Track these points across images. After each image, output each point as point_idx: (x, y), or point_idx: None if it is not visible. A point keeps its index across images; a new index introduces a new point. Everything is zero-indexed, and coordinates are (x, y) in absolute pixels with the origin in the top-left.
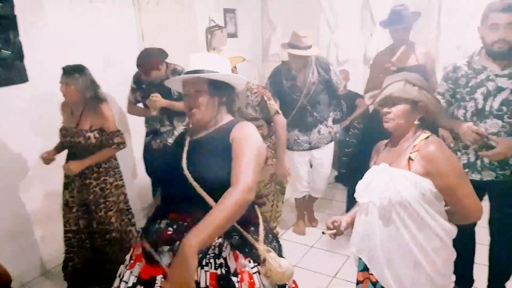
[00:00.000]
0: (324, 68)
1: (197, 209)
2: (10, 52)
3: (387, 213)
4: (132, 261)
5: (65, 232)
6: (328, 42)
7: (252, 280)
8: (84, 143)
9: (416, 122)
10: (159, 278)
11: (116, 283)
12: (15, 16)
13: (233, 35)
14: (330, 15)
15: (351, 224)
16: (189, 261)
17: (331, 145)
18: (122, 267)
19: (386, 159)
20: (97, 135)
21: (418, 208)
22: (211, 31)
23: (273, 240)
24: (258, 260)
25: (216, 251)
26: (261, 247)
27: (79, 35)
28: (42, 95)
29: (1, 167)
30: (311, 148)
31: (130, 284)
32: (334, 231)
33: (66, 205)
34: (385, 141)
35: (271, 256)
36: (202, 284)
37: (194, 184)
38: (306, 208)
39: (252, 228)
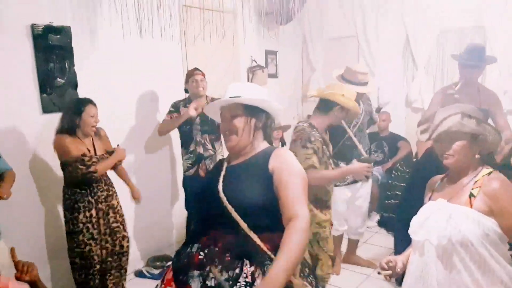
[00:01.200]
0: (365, 101)
1: (229, 233)
2: (64, 81)
3: (446, 253)
4: (163, 285)
5: (86, 270)
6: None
7: None
8: None
9: (477, 156)
10: None
11: None
12: (72, 47)
13: (273, 76)
14: (369, 58)
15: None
16: None
17: (369, 182)
18: None
19: (443, 194)
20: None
21: (481, 249)
22: (253, 70)
23: (309, 275)
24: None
25: (249, 279)
26: (296, 281)
27: (128, 68)
28: None
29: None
30: (351, 182)
31: None
32: (390, 272)
33: (88, 241)
34: (440, 176)
35: None
36: None
37: (229, 207)
38: (349, 253)
39: None
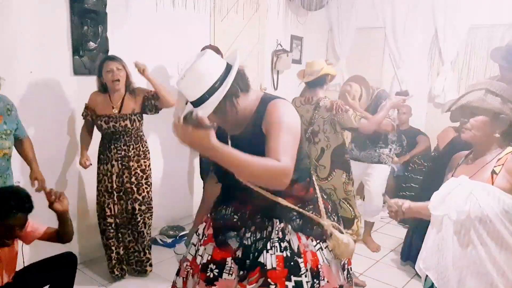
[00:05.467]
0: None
1: (254, 198)
2: (96, 45)
3: (464, 228)
4: (205, 238)
5: (102, 220)
6: (392, 76)
7: (315, 258)
8: (130, 127)
9: (496, 135)
10: (229, 260)
11: (192, 251)
12: (106, 13)
13: (297, 61)
14: (395, 50)
15: (414, 213)
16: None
17: (385, 168)
18: (195, 237)
19: (466, 171)
20: (140, 118)
21: (500, 225)
22: (278, 54)
23: (332, 213)
24: (320, 238)
25: (280, 235)
26: (325, 222)
27: (159, 37)
28: None
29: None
30: (361, 160)
31: (204, 261)
32: (396, 208)
33: (104, 193)
34: (465, 152)
35: (336, 230)
36: (269, 266)
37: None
38: (365, 233)
39: (311, 206)
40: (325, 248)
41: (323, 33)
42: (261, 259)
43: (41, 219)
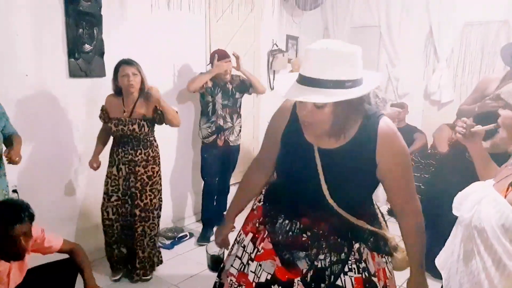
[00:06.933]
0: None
1: (332, 217)
2: (92, 47)
3: (466, 236)
4: (259, 253)
5: (106, 221)
6: (387, 74)
7: (385, 274)
8: (138, 131)
9: None
10: (296, 281)
11: (236, 265)
12: (101, 15)
13: None
14: (391, 49)
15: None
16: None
17: None
18: (238, 249)
19: (500, 175)
20: (149, 124)
21: (495, 241)
22: (273, 53)
23: (384, 221)
24: (389, 253)
25: (357, 256)
26: (390, 235)
27: (154, 38)
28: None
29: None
30: None
31: (263, 280)
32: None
33: (110, 194)
34: None
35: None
36: None
37: (339, 210)
38: None
39: (376, 221)
40: (389, 262)
41: (319, 32)
42: (339, 283)
43: (40, 220)
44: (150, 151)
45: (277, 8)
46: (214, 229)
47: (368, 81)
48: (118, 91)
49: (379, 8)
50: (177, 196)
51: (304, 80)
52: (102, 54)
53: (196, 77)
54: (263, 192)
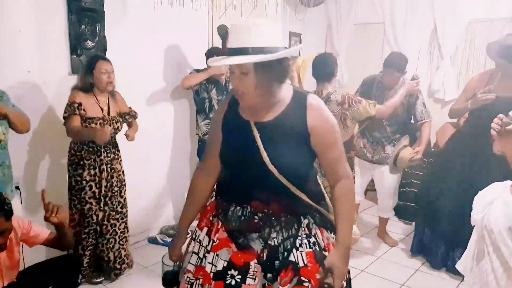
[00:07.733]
0: (413, 94)
1: (277, 194)
2: (94, 44)
3: (480, 234)
4: (215, 244)
5: (84, 228)
6: None
7: None
8: (120, 129)
9: None
10: (253, 263)
11: (193, 261)
12: (103, 11)
13: (296, 58)
14: (395, 46)
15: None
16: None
17: None
18: (194, 245)
19: None
20: (121, 120)
21: (502, 243)
22: None
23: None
24: (334, 230)
25: (307, 231)
26: (333, 216)
27: (156, 35)
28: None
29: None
30: (372, 162)
31: (220, 268)
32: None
33: (89, 200)
34: None
35: None
36: (301, 264)
37: (275, 171)
38: (379, 229)
39: (323, 202)
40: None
41: (322, 29)
42: (291, 258)
43: (40, 220)
44: (117, 147)
45: (280, 4)
46: None
47: (288, 51)
48: (87, 87)
49: (383, 5)
50: (177, 194)
51: (230, 52)
52: (104, 50)
53: (192, 75)
54: (215, 189)
